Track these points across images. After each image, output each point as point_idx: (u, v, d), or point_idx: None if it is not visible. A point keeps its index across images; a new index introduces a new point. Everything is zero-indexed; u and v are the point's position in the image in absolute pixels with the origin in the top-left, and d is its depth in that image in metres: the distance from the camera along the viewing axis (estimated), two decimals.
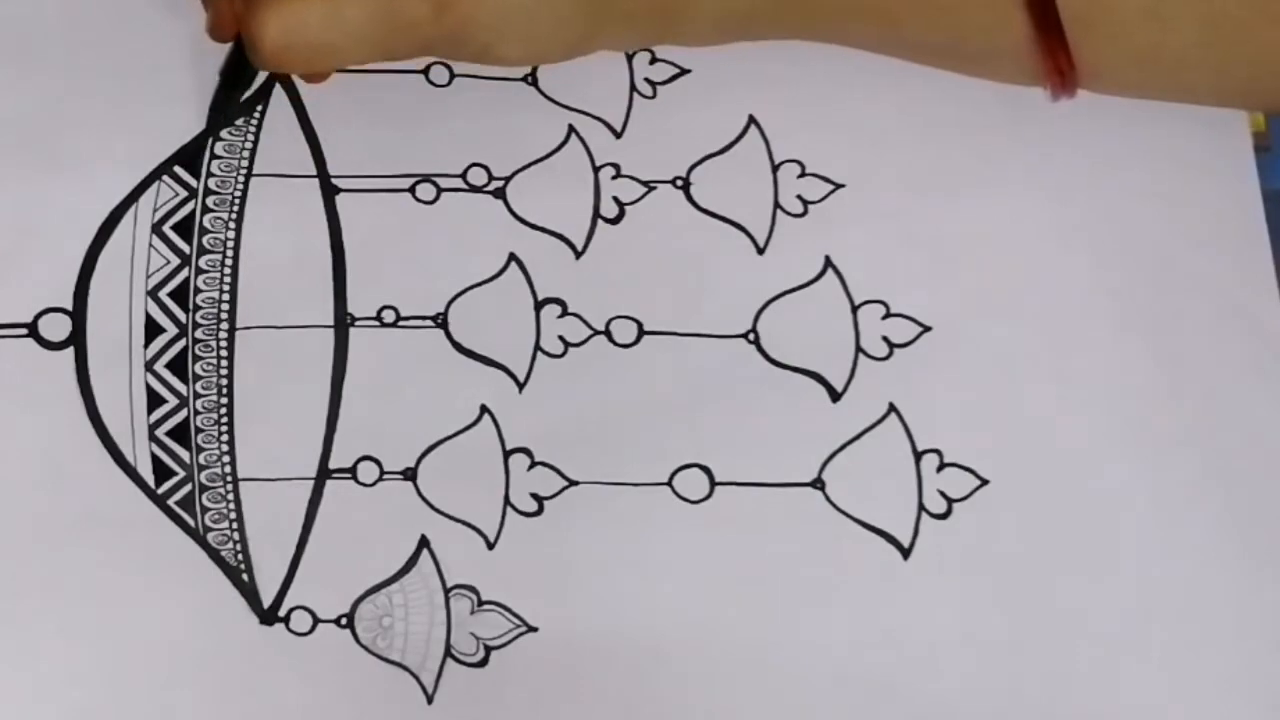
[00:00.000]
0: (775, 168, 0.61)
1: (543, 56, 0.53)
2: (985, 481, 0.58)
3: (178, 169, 0.59)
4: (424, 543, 0.56)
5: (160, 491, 0.56)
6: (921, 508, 0.58)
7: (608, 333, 0.59)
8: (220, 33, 0.55)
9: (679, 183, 0.61)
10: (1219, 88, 0.57)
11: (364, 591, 0.56)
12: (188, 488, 0.56)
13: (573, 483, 0.57)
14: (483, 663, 0.55)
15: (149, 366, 0.57)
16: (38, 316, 0.57)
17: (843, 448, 0.58)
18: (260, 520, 0.56)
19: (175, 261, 0.58)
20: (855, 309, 0.60)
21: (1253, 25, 0.54)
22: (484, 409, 0.58)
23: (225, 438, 0.57)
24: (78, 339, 0.57)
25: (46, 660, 0.54)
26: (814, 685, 0.55)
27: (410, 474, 0.57)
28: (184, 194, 0.58)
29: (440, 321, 0.58)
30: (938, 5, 0.54)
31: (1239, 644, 0.57)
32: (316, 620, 0.55)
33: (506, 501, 0.57)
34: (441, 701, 0.55)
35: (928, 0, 0.54)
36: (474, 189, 0.60)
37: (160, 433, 0.56)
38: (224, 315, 0.58)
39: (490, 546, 0.57)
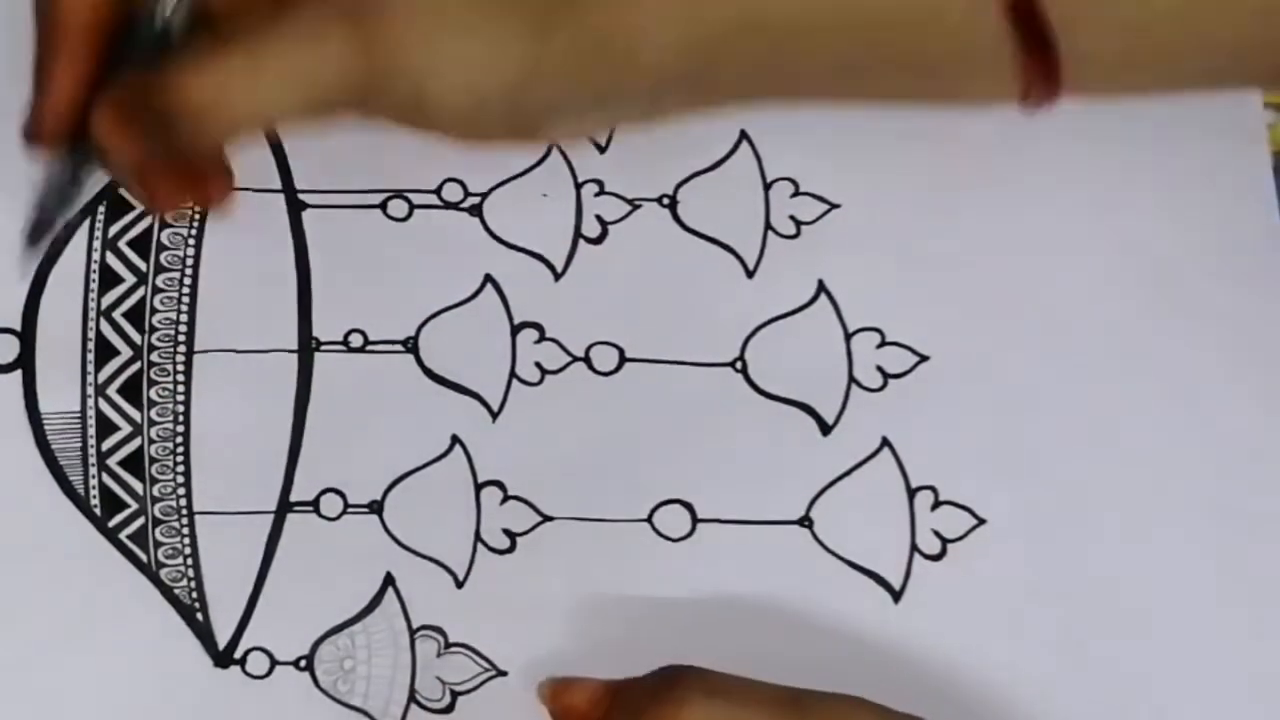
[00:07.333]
0: (767, 186, 0.59)
1: (482, 90, 0.48)
2: (982, 521, 0.56)
3: None
4: (389, 580, 0.54)
5: (111, 525, 0.54)
6: (914, 548, 0.56)
7: (587, 359, 0.56)
8: (56, 125, 0.50)
9: (665, 201, 0.58)
10: (1206, 61, 0.52)
11: (325, 632, 0.54)
12: (140, 521, 0.54)
13: (547, 518, 0.55)
14: (449, 708, 0.53)
15: (101, 391, 0.54)
16: None
17: (832, 484, 0.56)
18: (217, 556, 0.54)
19: (131, 280, 0.55)
20: (849, 337, 0.57)
21: None
22: (455, 439, 0.55)
23: (181, 468, 0.54)
24: (26, 361, 0.55)
25: None
26: None
27: (377, 507, 0.54)
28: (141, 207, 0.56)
29: (410, 346, 0.56)
30: (913, 13, 0.50)
31: (1247, 689, 0.55)
32: (274, 662, 0.53)
33: (477, 537, 0.54)
34: None
35: (902, 7, 0.50)
36: (448, 205, 0.57)
37: (112, 462, 0.54)
38: (182, 338, 0.55)
39: (459, 585, 0.54)
